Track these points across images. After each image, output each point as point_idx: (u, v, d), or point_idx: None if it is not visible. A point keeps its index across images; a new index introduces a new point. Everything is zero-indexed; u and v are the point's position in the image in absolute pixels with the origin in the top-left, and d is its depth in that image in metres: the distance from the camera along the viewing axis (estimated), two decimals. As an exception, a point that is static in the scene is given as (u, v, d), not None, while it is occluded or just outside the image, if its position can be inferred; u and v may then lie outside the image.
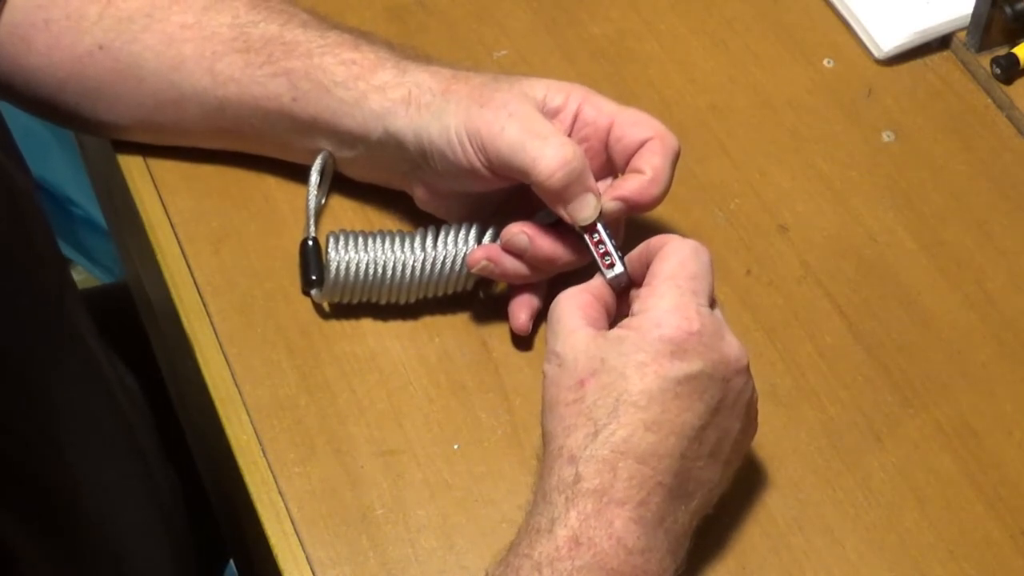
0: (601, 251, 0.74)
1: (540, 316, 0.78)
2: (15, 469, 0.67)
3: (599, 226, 0.74)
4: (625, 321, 0.69)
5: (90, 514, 0.77)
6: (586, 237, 0.74)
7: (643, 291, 0.70)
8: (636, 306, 0.69)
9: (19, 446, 0.67)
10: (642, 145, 0.75)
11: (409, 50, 0.80)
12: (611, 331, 0.69)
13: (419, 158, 0.77)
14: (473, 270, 0.77)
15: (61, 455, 0.73)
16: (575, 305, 0.71)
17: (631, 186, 0.74)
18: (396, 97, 0.76)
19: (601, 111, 0.76)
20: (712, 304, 0.70)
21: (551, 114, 0.75)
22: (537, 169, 0.72)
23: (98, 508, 0.78)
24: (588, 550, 0.64)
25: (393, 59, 0.78)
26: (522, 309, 0.78)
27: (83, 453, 0.76)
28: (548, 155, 0.72)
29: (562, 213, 0.74)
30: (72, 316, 0.78)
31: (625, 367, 0.67)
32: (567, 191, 0.73)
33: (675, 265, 0.69)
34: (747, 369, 0.69)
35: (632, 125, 0.75)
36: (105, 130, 0.85)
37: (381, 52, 0.78)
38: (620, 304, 0.74)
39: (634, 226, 0.79)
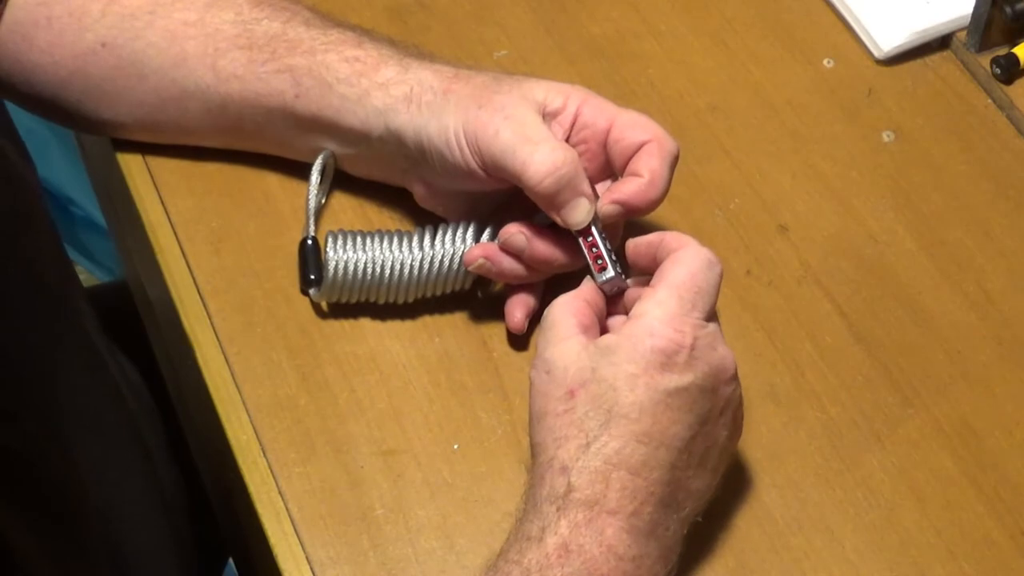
0: (594, 254, 0.74)
1: (536, 315, 0.78)
2: (16, 460, 0.67)
3: (593, 229, 0.74)
4: (618, 326, 0.69)
5: (91, 506, 0.77)
6: (580, 240, 0.74)
7: (645, 291, 0.69)
8: (635, 308, 0.69)
9: (21, 437, 0.67)
10: (640, 148, 0.74)
11: (412, 48, 0.80)
12: (602, 339, 0.69)
13: (418, 156, 0.77)
14: (470, 269, 0.77)
15: (63, 447, 0.73)
16: (569, 312, 0.71)
17: (628, 189, 0.74)
18: (398, 94, 0.76)
19: (600, 113, 0.76)
20: (710, 318, 0.70)
21: (551, 116, 0.75)
22: (527, 174, 0.72)
23: (100, 501, 0.78)
24: (578, 557, 0.65)
25: (396, 56, 0.78)
26: (518, 308, 0.78)
27: (86, 445, 0.76)
28: (537, 160, 0.72)
29: (555, 217, 0.74)
30: (75, 309, 0.78)
31: (616, 378, 0.67)
32: (558, 196, 0.73)
33: (684, 274, 0.69)
34: (735, 376, 0.69)
35: (630, 127, 0.75)
36: (107, 128, 0.84)
37: (384, 49, 0.78)
38: (611, 306, 0.74)
39: (634, 227, 0.79)
